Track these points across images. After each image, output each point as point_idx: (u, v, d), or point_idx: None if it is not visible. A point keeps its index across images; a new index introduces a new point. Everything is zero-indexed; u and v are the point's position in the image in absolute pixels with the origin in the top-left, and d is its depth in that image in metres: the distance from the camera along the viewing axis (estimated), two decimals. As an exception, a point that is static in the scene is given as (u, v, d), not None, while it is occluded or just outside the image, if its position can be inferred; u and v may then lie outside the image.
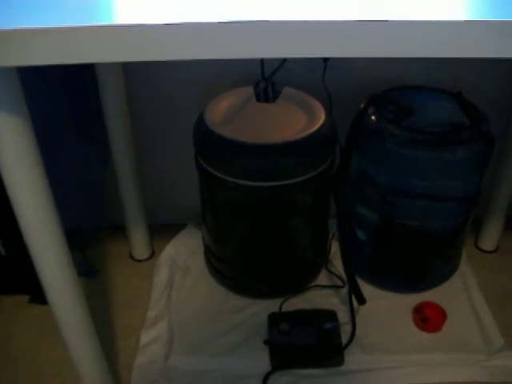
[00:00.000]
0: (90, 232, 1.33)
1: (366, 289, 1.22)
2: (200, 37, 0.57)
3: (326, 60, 1.10)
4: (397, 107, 1.09)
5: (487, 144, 1.07)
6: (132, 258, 1.35)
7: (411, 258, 1.22)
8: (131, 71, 1.12)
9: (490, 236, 1.36)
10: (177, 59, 0.58)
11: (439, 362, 1.10)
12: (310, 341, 1.10)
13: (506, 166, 1.24)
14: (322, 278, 1.25)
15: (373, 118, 1.07)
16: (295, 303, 1.19)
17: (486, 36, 0.57)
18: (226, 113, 1.07)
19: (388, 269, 1.24)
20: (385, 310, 1.19)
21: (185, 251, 1.33)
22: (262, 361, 1.09)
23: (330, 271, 1.26)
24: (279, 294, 1.20)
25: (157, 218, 1.36)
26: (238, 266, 1.19)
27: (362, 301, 1.12)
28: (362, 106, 1.05)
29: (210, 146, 1.04)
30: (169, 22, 0.56)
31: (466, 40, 0.58)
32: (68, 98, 1.16)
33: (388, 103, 1.08)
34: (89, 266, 1.29)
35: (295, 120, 1.05)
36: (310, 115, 1.06)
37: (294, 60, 1.08)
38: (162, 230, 1.38)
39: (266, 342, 1.10)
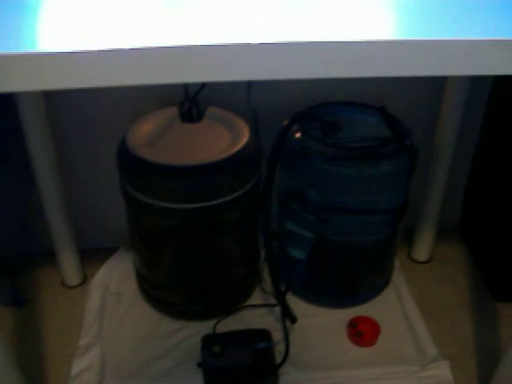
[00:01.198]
0: (18, 260, 1.30)
1: (301, 306, 1.22)
2: (120, 63, 0.56)
3: (250, 78, 1.10)
4: (322, 124, 1.09)
5: (411, 157, 1.09)
6: (63, 284, 1.31)
7: (344, 273, 1.22)
8: (53, 93, 1.10)
9: (423, 246, 1.38)
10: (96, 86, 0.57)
11: (375, 376, 1.10)
12: (244, 361, 1.09)
13: (433, 177, 1.26)
14: (256, 297, 1.25)
15: (297, 135, 1.07)
16: (229, 324, 1.18)
17: (411, 55, 0.58)
18: (150, 135, 1.06)
19: (322, 285, 1.24)
20: (320, 326, 1.19)
21: (117, 275, 1.30)
22: (196, 384, 1.07)
23: (263, 289, 1.25)
24: (213, 315, 1.18)
25: (88, 242, 1.33)
26: (170, 289, 1.18)
27: (292, 319, 1.12)
28: (285, 123, 1.05)
29: (134, 170, 1.02)
30: (90, 49, 0.55)
31: (391, 59, 0.58)
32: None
33: (313, 120, 1.08)
34: (17, 295, 1.26)
35: (219, 140, 1.05)
36: (234, 134, 1.05)
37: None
38: (93, 255, 1.35)
39: (200, 365, 1.09)
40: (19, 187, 1.21)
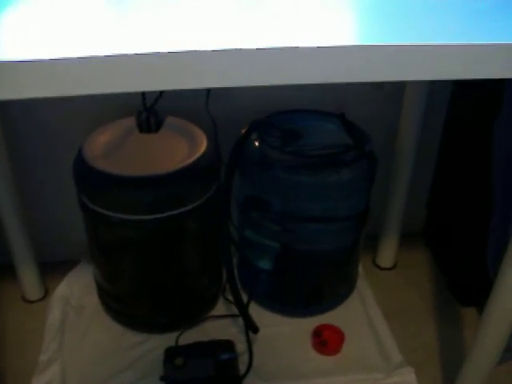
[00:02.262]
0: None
1: (265, 315, 1.21)
2: (75, 71, 0.54)
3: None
4: (281, 132, 1.08)
5: (371, 163, 1.09)
6: (24, 298, 1.29)
7: (308, 282, 1.21)
8: (9, 103, 1.08)
9: (387, 252, 1.38)
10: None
11: (340, 384, 1.10)
12: (207, 373, 1.07)
13: (396, 183, 1.27)
14: (220, 308, 1.23)
15: (256, 144, 1.07)
16: (192, 335, 1.16)
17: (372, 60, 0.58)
18: (107, 146, 1.05)
19: (285, 293, 1.23)
20: (284, 335, 1.18)
21: (78, 289, 1.28)
22: (158, 398, 1.05)
23: (226, 300, 1.24)
24: (175, 327, 1.17)
25: (49, 255, 1.31)
26: (131, 302, 1.16)
27: (254, 330, 1.11)
28: (242, 131, 1.04)
29: (90, 182, 1.01)
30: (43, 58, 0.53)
31: (350, 65, 0.58)
32: None
33: (272, 128, 1.08)
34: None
35: (177, 150, 1.04)
36: (192, 144, 1.04)
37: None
38: (54, 268, 1.32)
39: (162, 378, 1.07)
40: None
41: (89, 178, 1.01)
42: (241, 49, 0.55)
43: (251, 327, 1.12)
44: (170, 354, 1.10)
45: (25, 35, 0.58)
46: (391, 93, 1.21)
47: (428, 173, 1.40)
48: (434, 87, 1.15)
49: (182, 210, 1.01)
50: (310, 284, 1.22)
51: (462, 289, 1.32)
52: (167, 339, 1.15)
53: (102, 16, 0.64)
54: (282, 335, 1.18)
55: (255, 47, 0.56)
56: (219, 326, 1.19)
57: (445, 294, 1.33)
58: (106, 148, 1.04)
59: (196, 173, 1.01)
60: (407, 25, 0.63)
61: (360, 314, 1.24)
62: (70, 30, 0.60)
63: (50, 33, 0.59)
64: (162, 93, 1.05)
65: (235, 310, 1.20)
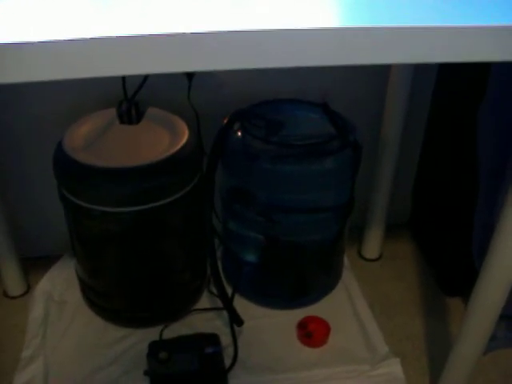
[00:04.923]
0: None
1: (250, 307, 1.20)
2: (55, 55, 0.52)
3: (190, 77, 1.08)
4: (265, 122, 1.07)
5: (355, 152, 1.08)
6: (6, 294, 1.27)
7: (292, 273, 1.20)
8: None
9: (372, 243, 1.38)
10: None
11: (325, 376, 1.09)
12: (192, 367, 1.06)
13: (380, 173, 1.26)
14: (204, 301, 1.22)
15: (239, 134, 1.05)
16: (177, 329, 1.15)
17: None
18: (87, 137, 1.03)
19: (270, 285, 1.22)
20: (269, 328, 1.17)
21: (61, 284, 1.26)
22: (142, 393, 1.04)
23: (211, 292, 1.22)
24: (159, 321, 1.15)
25: (30, 249, 1.30)
26: (114, 296, 1.14)
27: (239, 322, 1.10)
28: (224, 121, 1.03)
29: (70, 174, 0.99)
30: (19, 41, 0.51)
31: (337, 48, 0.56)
32: None
33: (255, 118, 1.07)
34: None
35: (159, 141, 1.02)
36: (173, 135, 1.03)
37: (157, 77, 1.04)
38: (36, 263, 1.31)
39: (146, 373, 1.06)
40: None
41: (69, 170, 0.99)
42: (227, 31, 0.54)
43: (236, 320, 1.11)
44: (154, 348, 1.08)
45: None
46: (375, 80, 1.20)
47: (413, 161, 1.39)
48: (417, 74, 1.14)
49: (163, 201, 0.99)
50: (295, 276, 1.21)
51: (448, 279, 1.32)
52: (151, 333, 1.13)
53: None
54: (267, 327, 1.17)
55: (239, 29, 0.54)
56: (204, 320, 1.18)
57: (431, 285, 1.33)
58: (86, 139, 1.02)
59: (178, 164, 0.99)
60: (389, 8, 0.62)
61: (346, 305, 1.23)
62: (50, 12, 0.58)
63: (36, 14, 0.57)
64: (143, 83, 1.03)
65: (220, 303, 1.20)
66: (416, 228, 1.46)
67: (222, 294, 1.08)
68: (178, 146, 0.99)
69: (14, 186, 1.23)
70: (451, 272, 1.31)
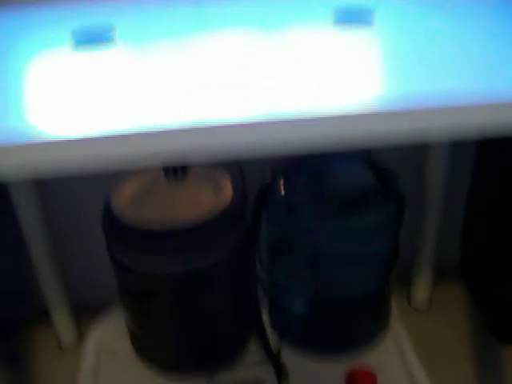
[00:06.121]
0: (13, 321, 1.29)
1: (296, 358, 1.19)
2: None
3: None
4: (307, 176, 1.08)
5: (399, 205, 1.07)
6: (58, 344, 1.30)
7: (339, 324, 1.19)
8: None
9: (421, 290, 1.36)
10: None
11: (374, 430, 1.08)
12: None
13: (427, 219, 1.25)
14: (250, 351, 1.22)
15: (280, 189, 1.06)
16: (223, 379, 1.15)
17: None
18: (134, 196, 1.05)
19: (316, 335, 1.21)
20: (315, 379, 1.16)
21: (111, 334, 1.28)
22: None
23: (257, 343, 1.22)
24: (205, 371, 1.16)
25: (82, 299, 1.32)
26: (161, 347, 1.16)
27: (285, 374, 1.10)
28: (266, 178, 1.04)
29: (118, 234, 1.02)
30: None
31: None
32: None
33: (296, 173, 1.07)
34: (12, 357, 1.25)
35: (204, 198, 1.04)
36: (218, 191, 1.05)
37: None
38: (88, 312, 1.33)
39: (193, 424, 1.07)
40: (11, 251, 1.21)
41: (115, 229, 1.02)
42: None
43: (281, 372, 1.11)
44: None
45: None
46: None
47: (461, 202, 1.37)
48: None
49: (209, 261, 1.01)
50: (342, 326, 1.20)
51: (503, 325, 1.28)
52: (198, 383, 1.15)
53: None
54: (313, 379, 1.16)
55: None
56: (249, 370, 1.18)
57: (483, 332, 1.29)
58: (132, 198, 1.05)
59: (223, 223, 1.00)
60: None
61: (394, 356, 1.21)
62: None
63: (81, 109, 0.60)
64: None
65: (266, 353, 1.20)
66: (466, 271, 1.43)
67: (267, 347, 1.08)
68: (223, 205, 1.01)
69: (66, 238, 1.26)
70: (505, 317, 1.28)
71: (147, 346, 1.18)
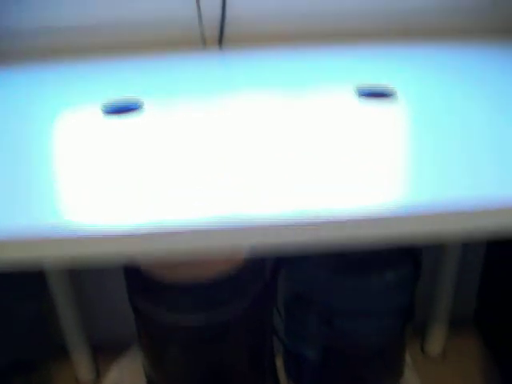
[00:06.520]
0: (33, 359, 1.32)
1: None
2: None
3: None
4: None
5: (415, 263, 1.08)
6: (77, 381, 1.33)
7: (354, 372, 1.21)
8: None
9: (436, 340, 1.36)
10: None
11: None
12: None
13: (443, 274, 1.26)
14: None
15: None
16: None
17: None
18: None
19: (330, 382, 1.23)
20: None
21: (129, 374, 1.31)
22: None
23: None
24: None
25: (101, 338, 1.35)
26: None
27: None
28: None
29: (141, 286, 1.04)
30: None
31: None
32: None
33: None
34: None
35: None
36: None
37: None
38: (107, 350, 1.36)
39: None
40: (32, 291, 1.24)
41: (139, 282, 1.04)
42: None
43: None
44: None
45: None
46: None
47: (478, 257, 1.38)
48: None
49: (230, 313, 1.03)
50: (355, 376, 1.21)
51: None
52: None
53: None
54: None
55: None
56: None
57: (497, 386, 1.30)
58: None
59: (241, 278, 1.02)
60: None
61: (407, 407, 1.23)
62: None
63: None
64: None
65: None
66: (482, 324, 1.43)
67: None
68: (244, 259, 1.03)
69: (87, 280, 1.29)
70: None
71: (163, 389, 1.20)
